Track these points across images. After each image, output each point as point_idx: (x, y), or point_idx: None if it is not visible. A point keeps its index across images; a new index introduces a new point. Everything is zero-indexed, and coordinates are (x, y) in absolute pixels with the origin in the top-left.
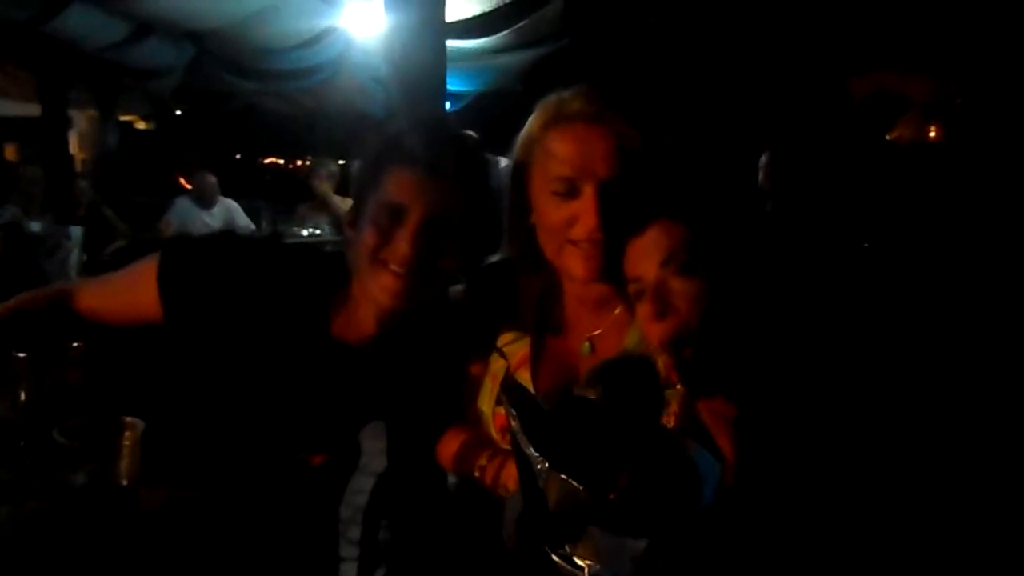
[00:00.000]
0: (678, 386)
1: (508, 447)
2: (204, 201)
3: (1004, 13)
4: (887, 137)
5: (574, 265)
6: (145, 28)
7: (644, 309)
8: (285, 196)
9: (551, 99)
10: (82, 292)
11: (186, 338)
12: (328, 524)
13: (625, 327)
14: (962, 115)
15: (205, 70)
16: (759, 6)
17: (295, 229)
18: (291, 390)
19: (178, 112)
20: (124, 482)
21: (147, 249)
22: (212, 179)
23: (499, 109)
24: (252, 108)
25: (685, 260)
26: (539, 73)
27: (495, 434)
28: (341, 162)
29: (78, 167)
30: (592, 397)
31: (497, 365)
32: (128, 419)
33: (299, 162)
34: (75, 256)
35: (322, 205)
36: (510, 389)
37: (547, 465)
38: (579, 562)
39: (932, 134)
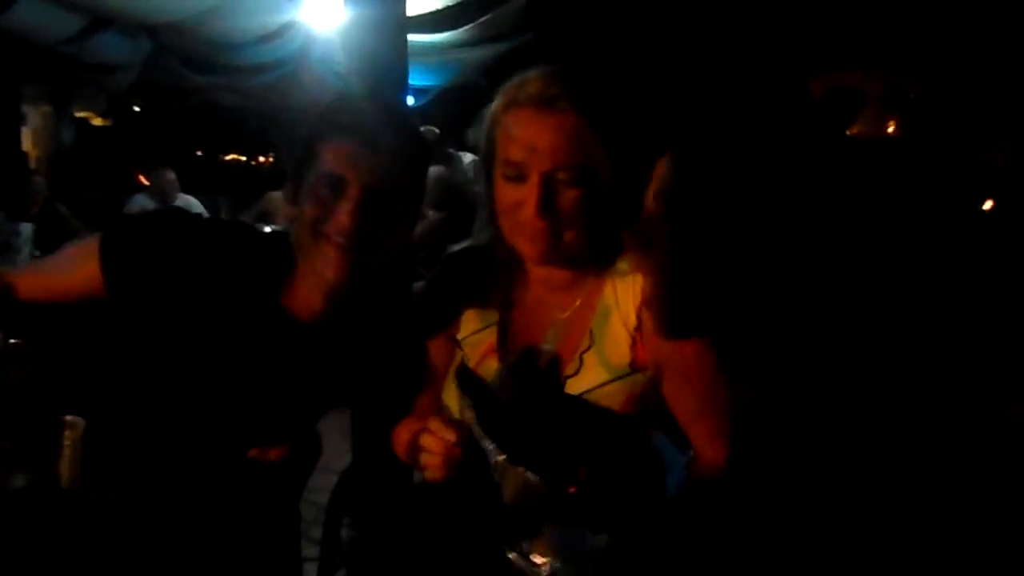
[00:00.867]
0: (647, 371)
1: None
2: (163, 198)
3: (961, 8)
4: (847, 133)
5: (523, 246)
6: (100, 22)
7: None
8: (247, 192)
9: (513, 80)
10: (19, 279)
11: (129, 317)
12: (290, 524)
13: (589, 314)
14: (919, 109)
15: (163, 65)
16: (722, 3)
17: (257, 225)
18: (241, 370)
19: (136, 108)
20: (65, 484)
21: None
22: (171, 175)
23: (464, 105)
24: (212, 104)
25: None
26: (503, 68)
27: None
28: None
29: (32, 164)
30: (501, 396)
31: (458, 357)
32: (68, 417)
33: (261, 158)
34: (26, 253)
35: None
36: (465, 379)
37: (503, 458)
38: (537, 560)
39: (890, 129)
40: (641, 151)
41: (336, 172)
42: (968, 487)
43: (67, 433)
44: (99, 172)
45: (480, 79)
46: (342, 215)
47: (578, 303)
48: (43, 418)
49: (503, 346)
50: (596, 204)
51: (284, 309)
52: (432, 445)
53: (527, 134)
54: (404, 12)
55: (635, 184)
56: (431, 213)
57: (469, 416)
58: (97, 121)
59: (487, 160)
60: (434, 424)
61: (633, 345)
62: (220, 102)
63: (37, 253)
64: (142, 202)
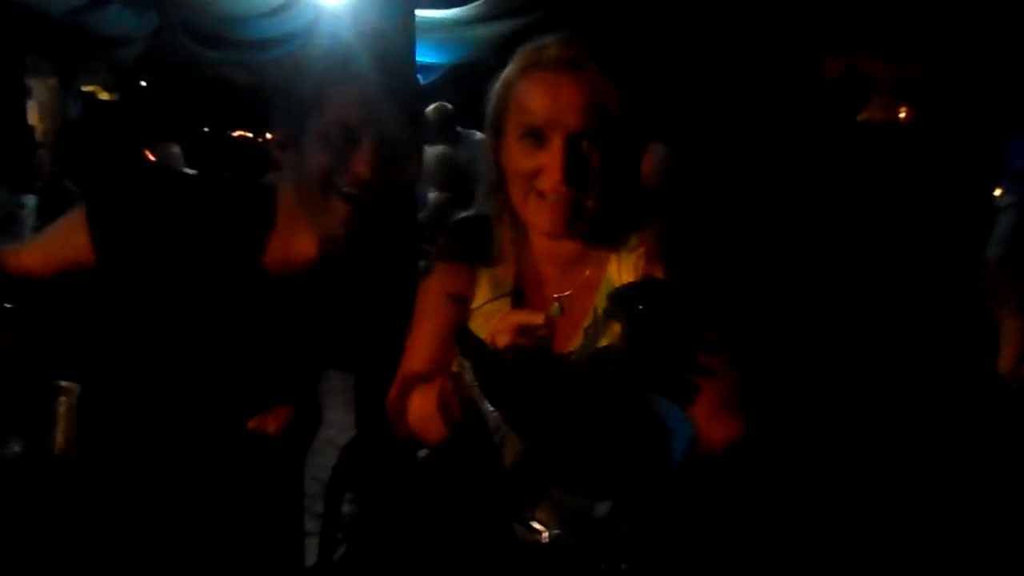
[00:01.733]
0: None
1: None
2: None
3: None
4: (858, 118)
5: (539, 218)
6: None
7: None
8: (254, 169)
9: (530, 45)
10: (14, 252)
11: (120, 281)
12: (293, 499)
13: (594, 289)
14: (931, 95)
15: (169, 39)
16: None
17: None
18: (227, 329)
19: (143, 83)
20: (59, 451)
21: None
22: (176, 150)
23: (472, 83)
24: (220, 80)
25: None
26: (513, 46)
27: None
28: None
29: (38, 137)
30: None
31: (481, 319)
32: (64, 383)
33: (268, 135)
34: (30, 226)
35: None
36: (465, 340)
37: (503, 422)
38: (537, 527)
39: (901, 116)
40: (654, 122)
41: (349, 120)
42: (968, 478)
43: (62, 399)
44: (105, 146)
45: (489, 57)
46: (359, 165)
47: (583, 279)
48: (38, 384)
49: None
50: (615, 172)
51: (267, 264)
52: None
53: (550, 96)
54: None
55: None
56: (436, 194)
57: (468, 377)
58: (103, 95)
59: (496, 127)
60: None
61: None
62: (228, 78)
63: (40, 225)
64: None
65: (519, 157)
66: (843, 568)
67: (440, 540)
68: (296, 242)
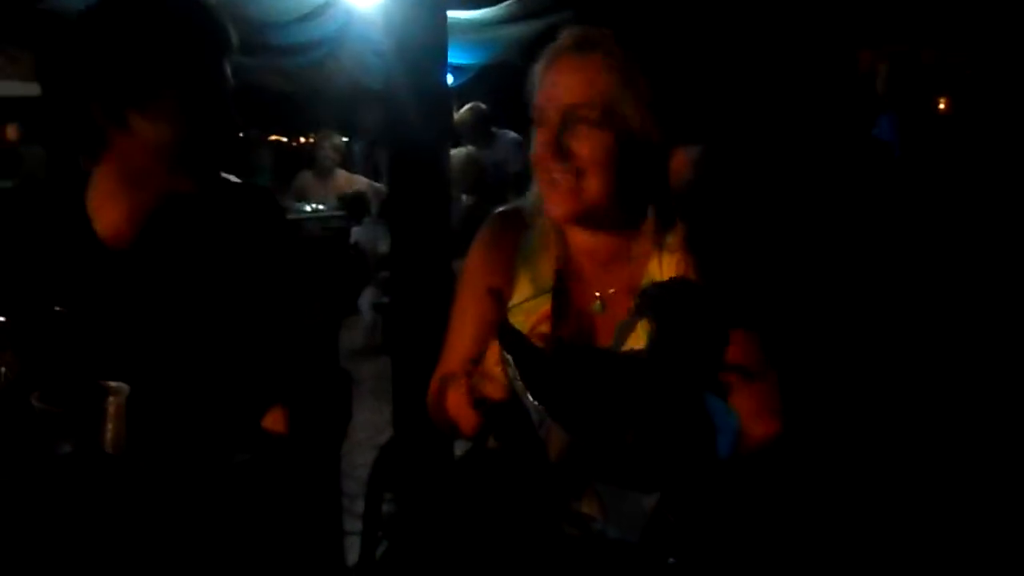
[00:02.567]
0: None
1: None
2: None
3: None
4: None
5: (547, 203)
6: None
7: None
8: (288, 173)
9: (554, 41)
10: None
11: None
12: (331, 499)
13: (636, 282)
14: (973, 86)
15: None
16: None
17: (298, 204)
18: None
19: None
20: (111, 450)
21: None
22: None
23: (502, 83)
24: (254, 86)
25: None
26: (541, 46)
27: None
28: (345, 139)
29: None
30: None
31: (520, 315)
32: (112, 384)
33: (302, 139)
34: None
35: (326, 179)
36: (506, 335)
37: (547, 415)
38: (583, 520)
39: (942, 106)
40: (685, 114)
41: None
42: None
43: (111, 399)
44: None
45: (518, 58)
46: None
47: (625, 276)
48: (87, 384)
49: (557, 315)
50: (625, 155)
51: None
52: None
53: (556, 79)
54: None
55: (668, 147)
56: (464, 197)
57: (511, 372)
58: None
59: (529, 120)
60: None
61: None
62: (262, 84)
63: None
64: None
65: (533, 143)
66: (885, 562)
67: (484, 535)
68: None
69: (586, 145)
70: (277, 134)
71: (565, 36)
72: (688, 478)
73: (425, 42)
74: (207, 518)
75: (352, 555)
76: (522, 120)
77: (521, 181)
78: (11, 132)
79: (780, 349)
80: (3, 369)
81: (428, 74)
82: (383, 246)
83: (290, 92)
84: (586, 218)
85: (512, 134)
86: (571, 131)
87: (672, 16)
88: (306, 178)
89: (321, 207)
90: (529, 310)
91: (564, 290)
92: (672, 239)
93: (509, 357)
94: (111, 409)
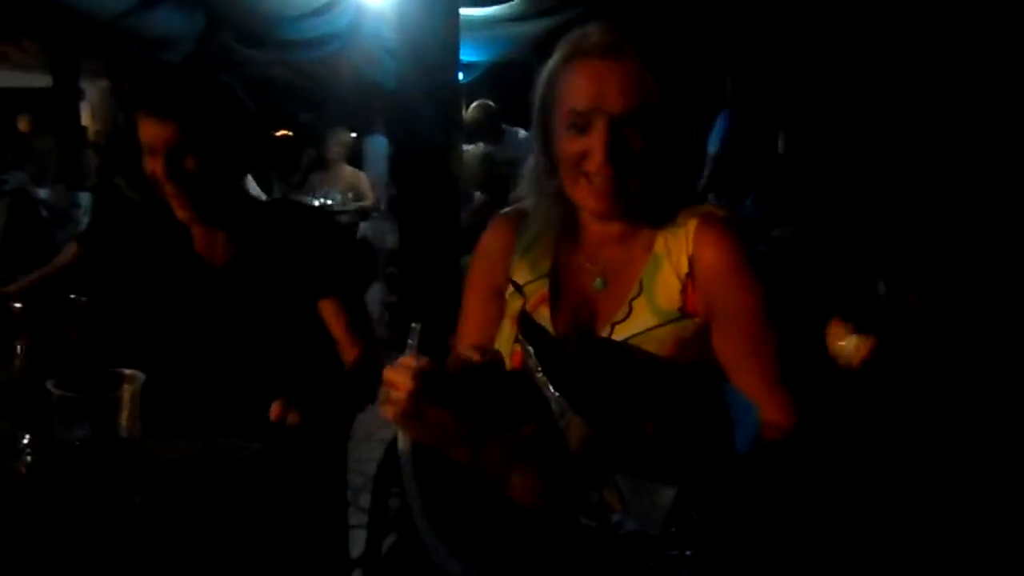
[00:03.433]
0: (697, 318)
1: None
2: None
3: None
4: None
5: (587, 198)
6: None
7: None
8: (297, 167)
9: (573, 34)
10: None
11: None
12: (337, 492)
13: (640, 263)
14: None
15: (216, 40)
16: None
17: (307, 198)
18: (184, 321)
19: None
20: (125, 435)
21: None
22: None
23: (512, 81)
24: (265, 79)
25: None
26: (552, 44)
27: None
28: (353, 134)
29: (90, 136)
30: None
31: (515, 304)
32: (127, 371)
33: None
34: (84, 222)
35: (333, 174)
36: (528, 327)
37: (567, 406)
38: (605, 510)
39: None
40: (697, 105)
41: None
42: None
43: (126, 387)
44: None
45: (529, 54)
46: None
47: (629, 254)
48: (102, 371)
49: (555, 296)
50: (659, 153)
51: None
52: (394, 378)
53: (594, 82)
54: None
55: (690, 137)
56: (476, 195)
57: (532, 364)
58: None
59: (544, 115)
60: (405, 359)
61: (683, 291)
62: (272, 77)
63: (94, 222)
64: None
65: (567, 143)
66: (903, 559)
67: (502, 526)
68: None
69: (635, 149)
70: (286, 128)
71: (588, 36)
72: (707, 470)
73: (438, 39)
74: (216, 507)
75: (357, 549)
76: (528, 117)
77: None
78: (22, 123)
79: (798, 342)
80: (19, 355)
81: (440, 71)
82: (391, 242)
83: (301, 87)
84: (615, 208)
85: (522, 132)
86: (621, 136)
87: (681, 11)
88: (313, 173)
89: (329, 201)
90: (529, 293)
91: (563, 272)
92: (678, 216)
93: (530, 349)
94: (127, 396)
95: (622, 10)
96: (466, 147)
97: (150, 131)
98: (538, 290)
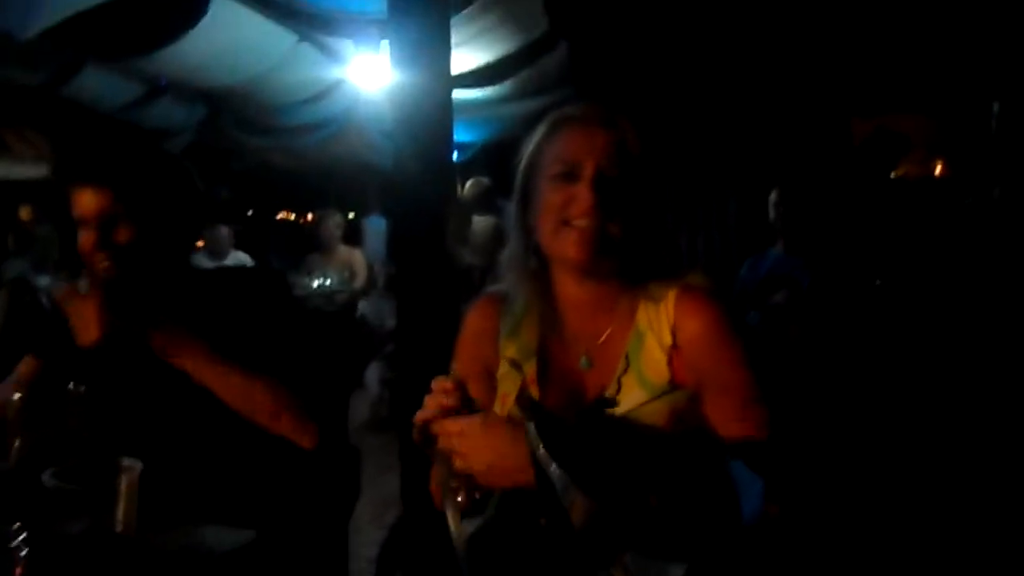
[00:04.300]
0: (687, 387)
1: None
2: (216, 254)
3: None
4: (892, 175)
5: (569, 248)
6: (158, 89)
7: None
8: (296, 249)
9: (552, 114)
10: None
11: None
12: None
13: (623, 338)
14: (965, 151)
15: (216, 128)
16: (764, 53)
17: (305, 280)
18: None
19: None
20: (122, 528)
21: None
22: (224, 231)
23: (505, 158)
24: (263, 165)
25: None
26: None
27: None
28: (351, 215)
29: None
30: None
31: (508, 383)
32: (125, 461)
33: (310, 216)
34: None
35: (329, 255)
36: (527, 405)
37: (570, 483)
38: None
39: (938, 171)
40: (669, 181)
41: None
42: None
43: (123, 477)
44: None
45: (521, 133)
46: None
47: (611, 330)
48: (99, 461)
49: (543, 376)
50: (638, 215)
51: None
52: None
53: (580, 138)
54: (449, 71)
55: (665, 210)
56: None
57: (534, 443)
58: None
59: (527, 180)
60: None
61: (670, 362)
62: (271, 163)
63: None
64: (195, 259)
65: (551, 195)
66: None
67: None
68: None
69: (617, 200)
70: (286, 211)
71: (576, 108)
72: (714, 545)
73: (432, 122)
74: None
75: None
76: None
77: None
78: (24, 213)
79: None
80: (16, 446)
81: (435, 153)
82: (389, 320)
83: (299, 171)
84: (594, 260)
85: None
86: (606, 185)
87: (663, 91)
88: (311, 255)
89: (328, 282)
90: (516, 377)
91: (549, 352)
92: (655, 288)
93: (531, 427)
94: (124, 487)
95: (610, 92)
96: (476, 218)
97: (81, 201)
98: (527, 371)
